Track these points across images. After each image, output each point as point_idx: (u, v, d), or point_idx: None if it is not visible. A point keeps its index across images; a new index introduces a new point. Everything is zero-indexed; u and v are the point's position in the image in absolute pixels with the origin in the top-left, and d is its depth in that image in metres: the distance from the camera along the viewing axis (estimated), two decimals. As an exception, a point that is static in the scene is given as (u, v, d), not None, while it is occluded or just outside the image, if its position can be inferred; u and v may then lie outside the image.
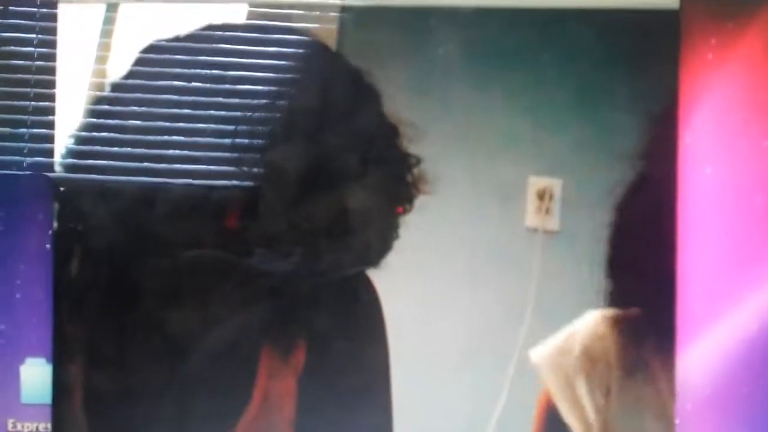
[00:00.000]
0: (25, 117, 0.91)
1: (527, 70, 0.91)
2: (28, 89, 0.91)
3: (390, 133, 0.89)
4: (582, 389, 0.90)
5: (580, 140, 0.90)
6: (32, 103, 0.91)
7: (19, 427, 0.90)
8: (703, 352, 0.89)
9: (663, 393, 0.90)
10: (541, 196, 0.91)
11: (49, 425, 0.90)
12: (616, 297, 0.91)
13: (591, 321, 0.91)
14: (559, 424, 0.91)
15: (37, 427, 0.90)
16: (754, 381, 0.89)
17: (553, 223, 0.91)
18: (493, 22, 0.91)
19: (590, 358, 0.91)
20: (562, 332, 0.91)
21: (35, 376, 0.90)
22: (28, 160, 0.90)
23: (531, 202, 0.91)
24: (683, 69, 0.89)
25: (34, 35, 0.91)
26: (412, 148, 0.90)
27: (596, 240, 0.90)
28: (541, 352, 0.91)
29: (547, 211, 0.91)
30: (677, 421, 0.89)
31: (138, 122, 0.91)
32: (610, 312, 0.91)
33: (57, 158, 0.90)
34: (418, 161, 0.90)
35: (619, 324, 0.91)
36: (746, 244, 0.89)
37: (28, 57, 0.91)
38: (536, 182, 0.91)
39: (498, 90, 0.90)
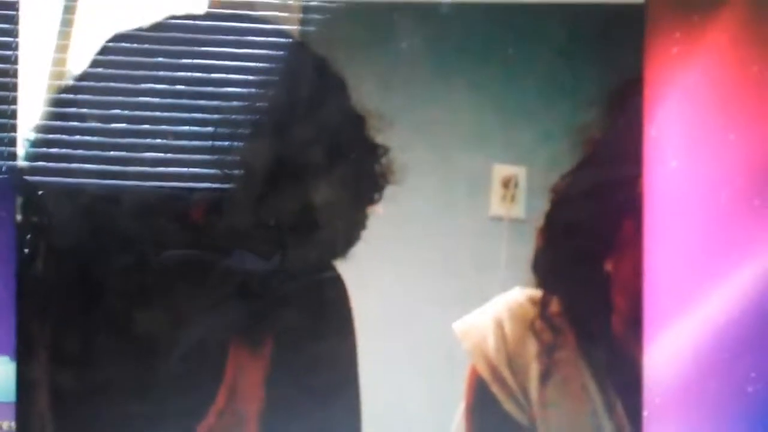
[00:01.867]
0: (4, 121, 0.90)
1: (492, 62, 0.91)
2: (7, 93, 0.90)
3: (357, 123, 0.89)
4: (506, 371, 0.91)
5: (545, 130, 0.91)
6: (11, 107, 0.90)
7: (-17, 425, 0.89)
8: (670, 346, 0.89)
9: (584, 380, 0.91)
10: (506, 184, 0.91)
11: (14, 423, 0.89)
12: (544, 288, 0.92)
13: (513, 301, 0.91)
14: (488, 396, 0.92)
15: (1, 426, 0.89)
16: (722, 374, 0.89)
17: (518, 211, 0.91)
18: (458, 16, 0.91)
19: (510, 341, 0.91)
20: (485, 310, 0.91)
21: (-1, 374, 0.89)
22: (6, 163, 0.89)
23: (496, 191, 0.91)
24: (648, 62, 0.89)
25: (12, 39, 0.90)
26: (379, 138, 0.90)
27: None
28: (463, 329, 0.91)
29: (512, 199, 0.91)
30: (645, 414, 0.89)
31: (105, 125, 0.90)
32: (536, 294, 0.92)
33: (24, 158, 0.89)
34: (386, 151, 0.90)
35: (540, 307, 0.91)
36: (712, 238, 0.89)
37: (6, 60, 0.90)
38: (501, 170, 0.91)
39: (463, 81, 0.91)
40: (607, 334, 0.90)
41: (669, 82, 0.89)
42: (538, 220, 0.91)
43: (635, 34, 0.89)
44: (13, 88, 0.90)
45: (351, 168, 0.90)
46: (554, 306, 0.91)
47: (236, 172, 0.89)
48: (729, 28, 0.89)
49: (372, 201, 0.90)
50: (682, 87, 0.89)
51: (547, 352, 0.91)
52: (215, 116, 0.90)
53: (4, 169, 0.89)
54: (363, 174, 0.90)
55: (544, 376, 0.91)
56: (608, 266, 0.90)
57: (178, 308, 0.88)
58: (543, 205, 0.91)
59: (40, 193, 0.89)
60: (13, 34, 0.90)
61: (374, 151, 0.90)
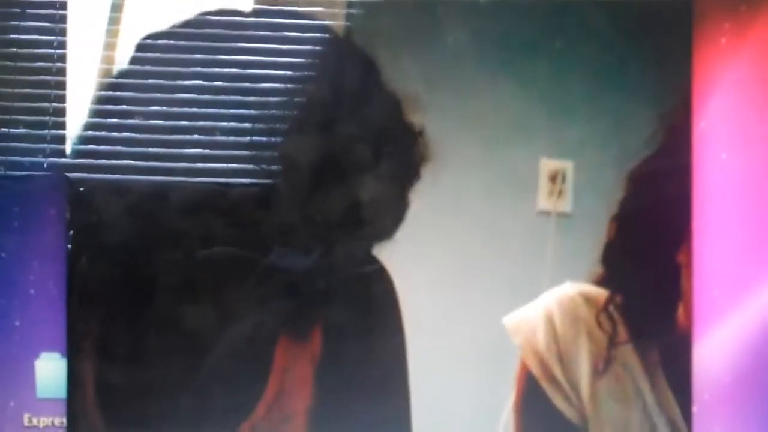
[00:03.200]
0: (46, 118, 0.91)
1: (540, 56, 0.91)
2: (49, 91, 0.91)
3: (392, 104, 0.89)
4: (556, 367, 0.91)
5: (593, 123, 0.90)
6: (53, 104, 0.91)
7: (35, 421, 0.90)
8: (720, 341, 0.88)
9: (637, 376, 0.90)
10: (553, 178, 0.91)
11: (65, 420, 0.90)
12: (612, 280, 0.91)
13: (564, 296, 0.91)
14: (538, 392, 0.91)
15: (52, 422, 0.90)
16: (772, 369, 0.88)
17: (566, 205, 0.91)
18: (505, 10, 0.91)
19: (561, 336, 0.91)
20: (535, 304, 0.91)
21: (50, 370, 0.89)
22: (49, 160, 0.90)
23: (543, 185, 0.91)
24: (696, 54, 0.88)
25: (53, 37, 0.91)
26: (415, 119, 0.90)
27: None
28: (513, 324, 0.91)
29: (560, 193, 0.91)
30: (695, 410, 0.89)
31: (151, 121, 0.91)
32: (587, 289, 0.91)
33: (70, 156, 0.90)
34: (421, 130, 0.89)
35: (596, 304, 0.91)
36: (763, 230, 0.88)
37: (48, 59, 0.91)
38: (548, 164, 0.91)
39: (510, 75, 0.91)
40: (667, 328, 0.90)
41: (718, 74, 0.88)
42: (607, 211, 0.90)
43: (683, 26, 0.89)
44: (56, 86, 0.91)
45: (392, 160, 0.90)
46: (616, 299, 0.90)
47: (278, 167, 0.90)
48: (778, 19, 0.88)
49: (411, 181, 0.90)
50: (732, 78, 0.88)
51: (608, 346, 0.90)
52: (257, 112, 0.90)
53: (46, 165, 0.90)
54: (404, 163, 0.90)
55: (600, 372, 0.90)
56: (681, 257, 0.89)
57: (224, 303, 0.89)
58: (590, 200, 0.91)
59: (81, 189, 0.89)
60: (55, 32, 0.90)
61: (410, 131, 0.89)
